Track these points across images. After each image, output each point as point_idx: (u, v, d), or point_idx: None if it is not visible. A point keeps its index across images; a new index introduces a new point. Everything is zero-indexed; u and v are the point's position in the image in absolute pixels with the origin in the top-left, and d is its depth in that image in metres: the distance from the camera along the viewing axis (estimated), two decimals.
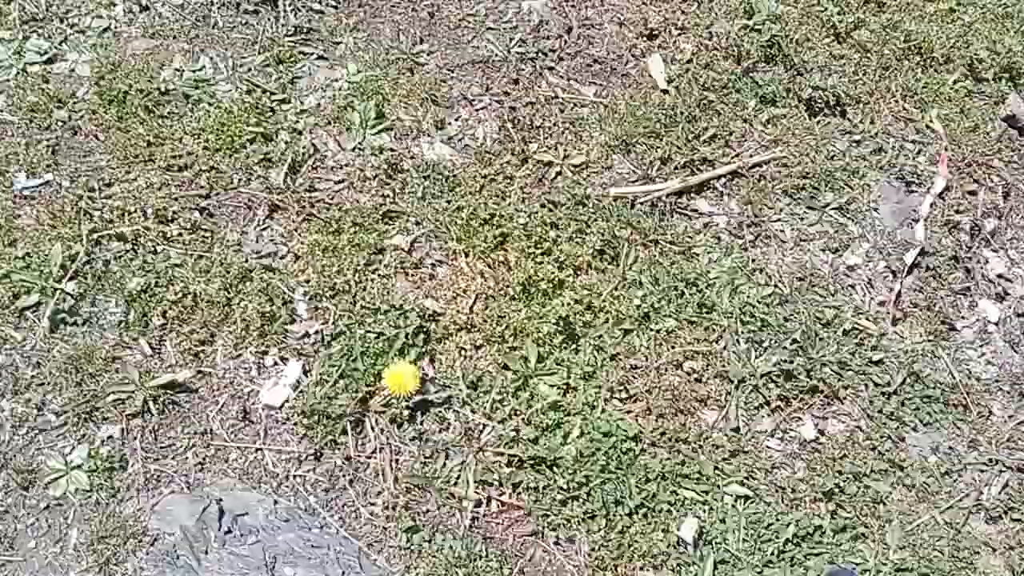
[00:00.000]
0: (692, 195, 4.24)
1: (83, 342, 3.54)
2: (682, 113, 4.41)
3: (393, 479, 3.43)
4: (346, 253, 3.83)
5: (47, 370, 3.44)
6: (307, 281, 3.78)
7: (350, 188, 4.02)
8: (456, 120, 4.31)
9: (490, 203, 3.99)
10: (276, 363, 3.65)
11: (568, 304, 3.78)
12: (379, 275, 3.82)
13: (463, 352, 3.72)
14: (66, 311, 3.58)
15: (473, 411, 3.60)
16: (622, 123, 4.35)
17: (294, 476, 3.42)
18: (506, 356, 3.69)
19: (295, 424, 3.50)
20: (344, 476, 3.44)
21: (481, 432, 3.56)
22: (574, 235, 4.00)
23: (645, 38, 4.73)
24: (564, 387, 3.67)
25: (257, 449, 3.46)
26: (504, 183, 4.14)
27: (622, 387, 3.69)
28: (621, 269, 3.97)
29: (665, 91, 4.56)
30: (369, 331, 3.64)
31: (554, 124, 4.35)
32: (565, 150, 4.28)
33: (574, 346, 3.78)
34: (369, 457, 3.48)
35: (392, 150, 4.15)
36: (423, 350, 3.66)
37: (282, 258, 3.85)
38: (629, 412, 3.67)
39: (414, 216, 4.00)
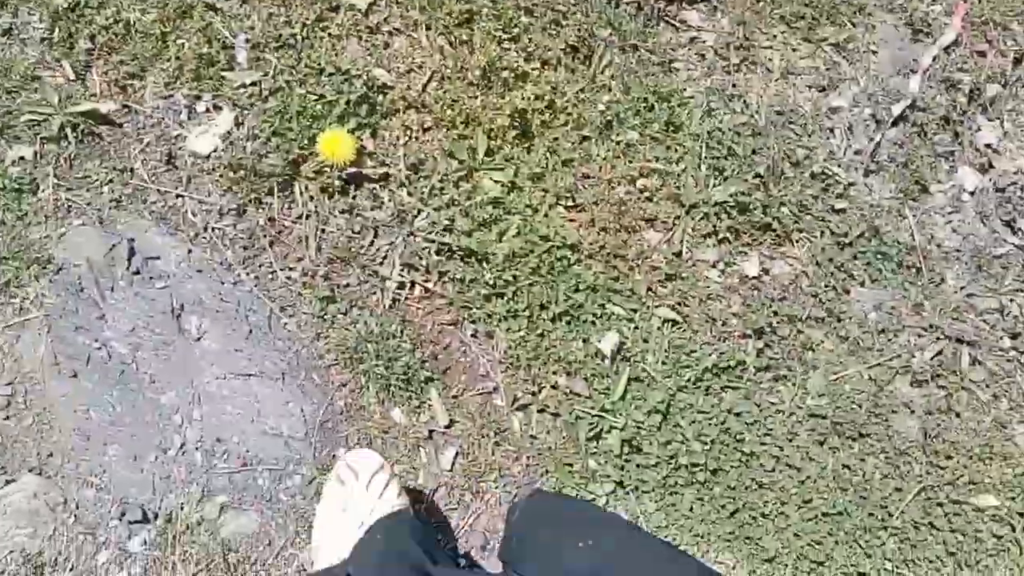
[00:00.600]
0: (684, 3, 3.89)
1: (0, 54, 3.27)
2: None
3: (316, 248, 3.29)
4: (297, 3, 3.51)
5: None
6: (251, 28, 3.48)
7: None
8: None
9: None
10: (208, 110, 3.41)
11: (528, 99, 3.52)
12: (329, 34, 3.51)
13: (408, 131, 3.50)
14: None
15: (410, 194, 3.41)
16: None
17: (213, 228, 3.28)
18: (453, 143, 3.47)
19: (220, 176, 3.31)
20: (265, 237, 3.29)
21: (415, 217, 3.39)
22: (548, 25, 3.69)
23: None
24: (509, 185, 3.48)
25: (178, 195, 3.30)
26: None
27: (569, 195, 3.51)
28: (592, 71, 3.69)
29: None
30: (310, 92, 3.39)
31: None
32: None
33: (527, 144, 3.56)
34: (294, 222, 3.33)
35: None
36: (365, 122, 3.43)
37: None
38: (572, 221, 3.51)
39: None
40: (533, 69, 3.64)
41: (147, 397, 3.02)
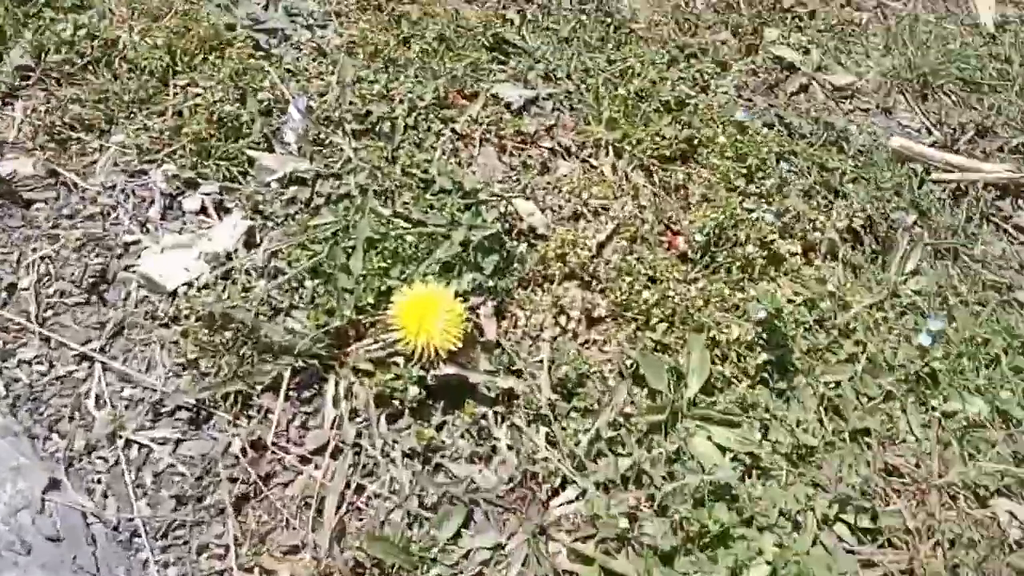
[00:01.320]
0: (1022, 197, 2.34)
1: None
2: (1021, 68, 2.52)
3: (336, 536, 1.51)
4: (406, 75, 1.98)
5: None
6: (320, 94, 1.93)
7: None
8: None
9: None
10: (204, 209, 1.80)
11: (781, 297, 1.88)
12: (453, 129, 1.97)
13: (561, 317, 1.83)
14: None
15: (552, 441, 1.69)
16: (919, 55, 2.49)
17: (134, 448, 1.53)
18: (644, 358, 1.81)
19: (185, 336, 1.63)
20: (233, 487, 1.53)
21: (558, 490, 1.64)
22: (813, 187, 2.12)
23: None
24: (749, 463, 1.75)
25: (94, 359, 1.58)
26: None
27: (864, 504, 1.75)
28: (890, 276, 2.05)
29: (992, 36, 2.69)
30: (399, 214, 1.78)
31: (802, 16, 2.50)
32: (822, 58, 2.41)
33: (782, 382, 1.86)
34: (304, 462, 1.57)
35: None
36: (490, 285, 1.79)
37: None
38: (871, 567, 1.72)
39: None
40: (790, 253, 2.02)
41: None
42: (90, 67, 1.89)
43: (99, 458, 1.53)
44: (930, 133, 2.41)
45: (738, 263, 1.98)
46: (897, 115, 2.44)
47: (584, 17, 2.26)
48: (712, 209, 2.01)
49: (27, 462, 1.46)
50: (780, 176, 2.12)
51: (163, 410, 1.58)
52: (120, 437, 1.53)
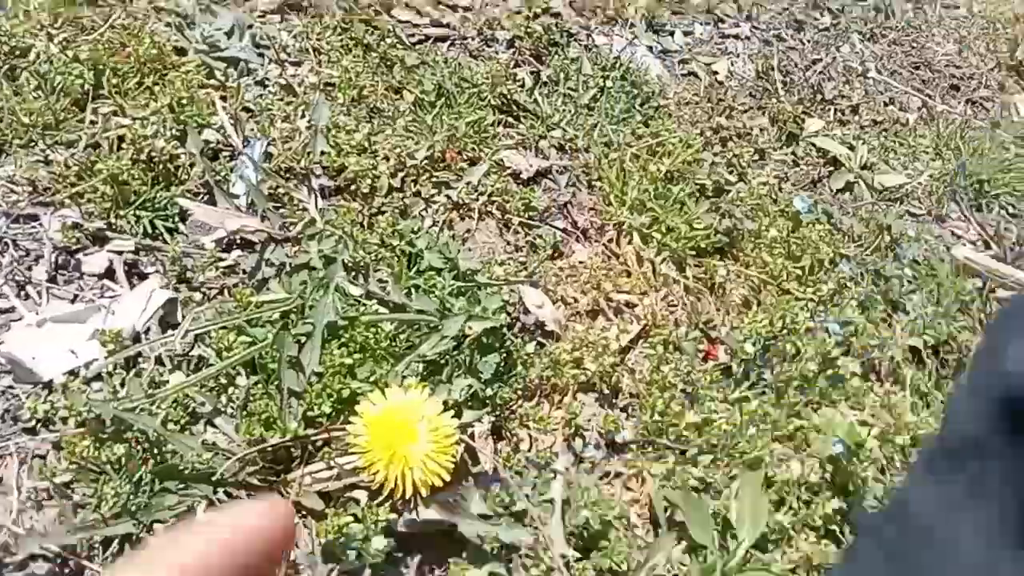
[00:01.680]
0: None
1: None
2: None
3: None
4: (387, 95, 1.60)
5: None
6: (276, 138, 1.52)
7: None
8: None
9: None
10: (109, 272, 1.33)
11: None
12: (441, 192, 1.57)
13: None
14: None
15: None
16: (974, 161, 2.21)
17: None
18: (694, 512, 1.36)
19: (66, 453, 1.14)
20: None
21: None
22: (876, 302, 1.75)
23: (1014, 71, 2.68)
24: None
25: None
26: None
27: None
28: None
29: None
30: (374, 295, 1.35)
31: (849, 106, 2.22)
32: (869, 155, 2.11)
33: None
34: None
35: None
36: (487, 394, 1.35)
37: None
38: None
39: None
40: (851, 373, 1.63)
41: None
42: None
43: None
44: (987, 247, 2.09)
45: (795, 382, 1.58)
46: (951, 224, 2.12)
47: (608, 83, 1.92)
48: (762, 314, 1.62)
49: None
50: (838, 281, 1.75)
51: (9, 561, 1.06)
52: None
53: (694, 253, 1.72)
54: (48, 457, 1.14)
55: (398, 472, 1.16)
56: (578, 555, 1.28)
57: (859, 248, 1.92)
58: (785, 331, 1.62)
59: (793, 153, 2.06)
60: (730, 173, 1.88)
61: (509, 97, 1.84)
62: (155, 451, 1.16)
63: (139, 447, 1.15)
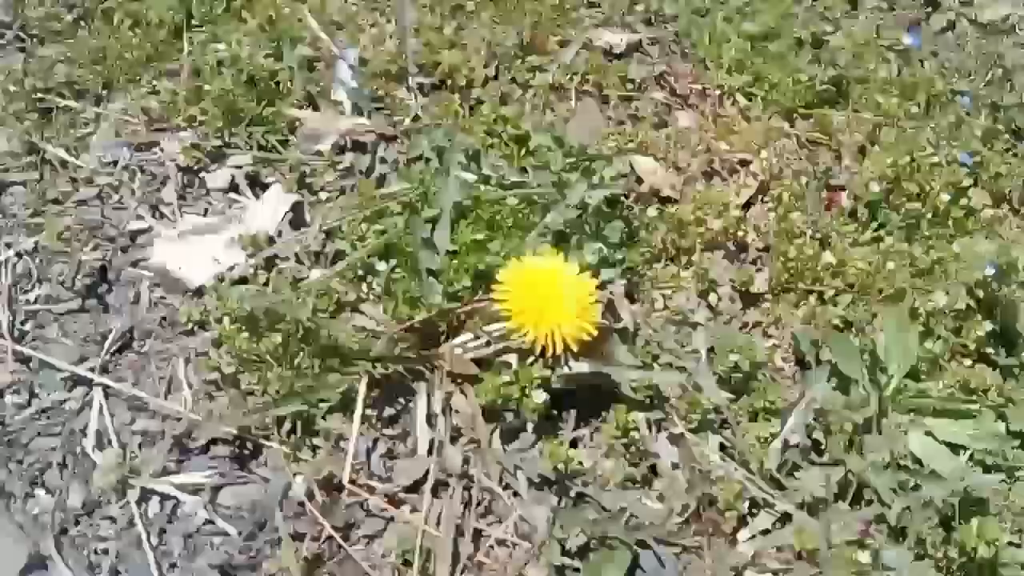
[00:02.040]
0: None
1: None
2: None
3: None
4: None
5: None
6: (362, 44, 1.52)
7: None
8: None
9: None
10: (234, 185, 1.38)
11: None
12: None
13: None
14: None
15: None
16: None
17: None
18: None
19: (218, 347, 1.19)
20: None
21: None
22: (1000, 132, 1.67)
23: None
24: None
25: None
26: None
27: None
28: None
29: None
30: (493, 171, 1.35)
31: None
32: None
33: None
34: (398, 504, 1.10)
35: None
36: (618, 258, 1.34)
37: None
38: None
39: None
40: (983, 204, 1.56)
41: None
42: (82, 22, 1.50)
43: (104, 519, 1.07)
44: None
45: (927, 217, 1.52)
46: None
47: None
48: (885, 153, 1.55)
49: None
50: (956, 115, 1.68)
51: (192, 446, 1.11)
52: (133, 487, 1.07)
53: (802, 106, 1.67)
54: (210, 354, 1.18)
55: (548, 331, 1.17)
56: (731, 396, 1.27)
57: (971, 83, 1.82)
58: (908, 168, 1.56)
59: None
60: (825, 24, 1.81)
61: None
62: (309, 338, 1.19)
63: (293, 337, 1.19)
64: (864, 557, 1.08)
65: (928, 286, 1.44)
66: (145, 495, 1.07)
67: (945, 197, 1.52)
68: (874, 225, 1.53)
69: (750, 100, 1.66)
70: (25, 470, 1.09)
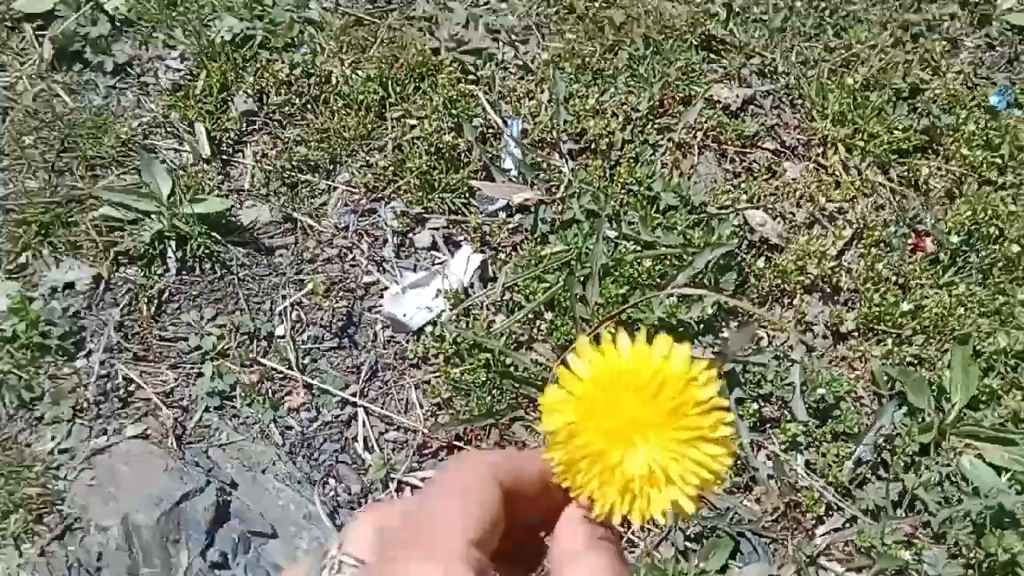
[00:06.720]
0: None
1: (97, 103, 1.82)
2: None
3: None
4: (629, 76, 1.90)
5: None
6: (532, 114, 1.88)
7: None
8: None
9: None
10: (434, 244, 1.80)
11: None
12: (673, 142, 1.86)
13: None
14: None
15: None
16: None
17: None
18: None
19: (436, 376, 1.63)
20: None
21: None
22: None
23: None
24: None
25: (348, 402, 1.61)
26: None
27: None
28: None
29: None
30: (628, 236, 1.71)
31: None
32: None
33: None
34: None
35: None
36: (731, 305, 1.70)
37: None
38: None
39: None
40: None
41: None
42: (309, 106, 1.92)
43: (377, 501, 1.56)
44: None
45: (999, 264, 1.80)
46: None
47: (797, 2, 2.10)
48: (964, 205, 1.83)
49: (315, 509, 1.51)
50: None
51: (427, 451, 1.59)
52: (392, 480, 1.56)
53: (896, 155, 1.93)
54: (431, 382, 1.64)
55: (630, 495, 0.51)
56: (817, 422, 1.65)
57: None
58: (988, 218, 1.82)
59: (987, 35, 2.15)
60: (923, 70, 2.03)
61: (708, 34, 2.08)
62: (499, 366, 1.63)
63: (490, 367, 1.63)
64: (908, 555, 1.46)
65: (991, 327, 1.74)
66: (400, 486, 1.56)
67: (1016, 248, 1.79)
68: (952, 270, 1.82)
69: (850, 152, 1.94)
70: (321, 465, 1.60)
